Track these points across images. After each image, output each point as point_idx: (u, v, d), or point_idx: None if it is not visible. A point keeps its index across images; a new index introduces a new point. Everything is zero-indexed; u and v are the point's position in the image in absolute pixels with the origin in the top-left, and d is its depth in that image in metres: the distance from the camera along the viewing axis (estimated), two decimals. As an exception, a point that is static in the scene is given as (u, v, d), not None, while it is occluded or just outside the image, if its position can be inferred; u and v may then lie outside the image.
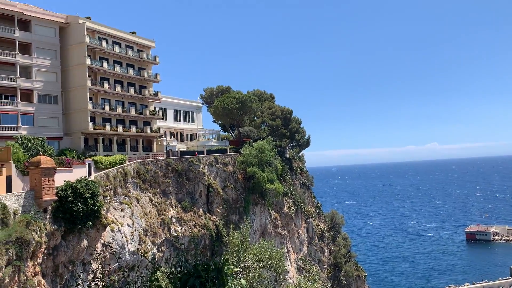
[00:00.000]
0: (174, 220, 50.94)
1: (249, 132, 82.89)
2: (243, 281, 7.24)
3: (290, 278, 66.00)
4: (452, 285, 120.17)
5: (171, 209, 51.68)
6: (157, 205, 49.78)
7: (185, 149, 72.85)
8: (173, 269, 7.10)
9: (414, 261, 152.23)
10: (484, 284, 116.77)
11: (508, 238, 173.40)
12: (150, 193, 49.81)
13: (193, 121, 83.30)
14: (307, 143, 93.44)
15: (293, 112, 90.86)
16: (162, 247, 47.93)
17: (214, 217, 57.98)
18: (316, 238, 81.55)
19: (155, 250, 46.38)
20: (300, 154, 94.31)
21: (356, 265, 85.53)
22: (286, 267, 54.59)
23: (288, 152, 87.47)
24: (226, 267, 6.93)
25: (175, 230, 50.29)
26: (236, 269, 7.35)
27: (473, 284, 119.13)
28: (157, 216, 48.83)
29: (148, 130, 63.26)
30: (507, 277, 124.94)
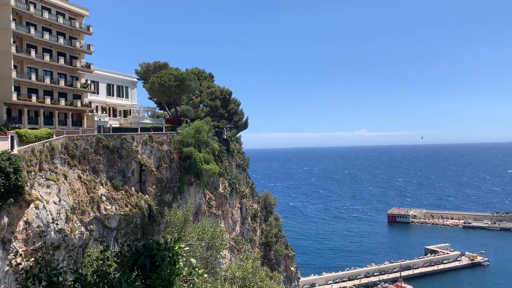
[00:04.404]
0: (104, 198, 49.28)
1: (186, 111, 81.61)
2: (193, 260, 7.16)
3: (222, 257, 66.86)
4: (373, 263, 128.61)
5: (101, 187, 49.90)
6: (86, 182, 47.80)
7: (118, 125, 70.30)
8: (122, 248, 6.84)
9: (339, 241, 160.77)
10: (401, 262, 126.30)
11: (424, 220, 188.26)
12: (79, 169, 47.65)
13: (127, 97, 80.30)
14: (245, 125, 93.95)
15: (232, 93, 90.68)
16: (91, 226, 46.30)
17: (147, 196, 56.88)
18: (249, 218, 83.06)
19: (83, 228, 44.70)
20: (237, 135, 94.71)
21: (286, 244, 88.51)
22: (227, 246, 55.18)
23: (225, 133, 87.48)
24: (177, 246, 6.80)
25: (105, 209, 48.73)
26: (186, 248, 7.29)
27: (392, 262, 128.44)
28: (86, 194, 46.96)
29: (79, 103, 60.07)
30: (422, 256, 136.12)
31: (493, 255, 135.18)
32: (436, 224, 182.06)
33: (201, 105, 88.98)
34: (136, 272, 6.57)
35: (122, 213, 50.70)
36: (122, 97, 79.05)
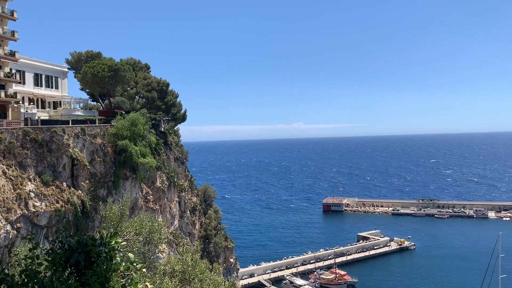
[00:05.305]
0: (32, 194, 46.41)
1: (121, 103, 78.75)
2: (130, 254, 6.96)
3: (161, 252, 65.79)
4: (309, 251, 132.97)
5: (29, 182, 46.92)
6: (12, 178, 44.72)
7: (47, 117, 66.40)
8: (53, 245, 6.50)
9: (277, 230, 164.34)
10: (335, 249, 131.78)
11: (357, 208, 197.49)
12: (3, 165, 44.45)
13: (57, 88, 75.85)
14: (183, 118, 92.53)
15: (170, 85, 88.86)
16: (18, 224, 43.47)
17: (80, 191, 54.38)
18: (188, 212, 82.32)
19: (8, 227, 41.88)
20: (175, 128, 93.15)
21: (226, 237, 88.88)
22: (166, 240, 54.17)
23: (163, 126, 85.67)
24: (114, 241, 6.58)
25: (34, 206, 45.94)
26: (123, 243, 7.04)
27: (327, 250, 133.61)
28: (12, 191, 43.95)
29: (2, 94, 55.90)
30: (355, 243, 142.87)
31: (419, 240, 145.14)
32: (368, 212, 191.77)
33: (136, 97, 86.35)
34: (70, 270, 6.31)
35: (53, 209, 48.08)
36: (52, 87, 74.58)
